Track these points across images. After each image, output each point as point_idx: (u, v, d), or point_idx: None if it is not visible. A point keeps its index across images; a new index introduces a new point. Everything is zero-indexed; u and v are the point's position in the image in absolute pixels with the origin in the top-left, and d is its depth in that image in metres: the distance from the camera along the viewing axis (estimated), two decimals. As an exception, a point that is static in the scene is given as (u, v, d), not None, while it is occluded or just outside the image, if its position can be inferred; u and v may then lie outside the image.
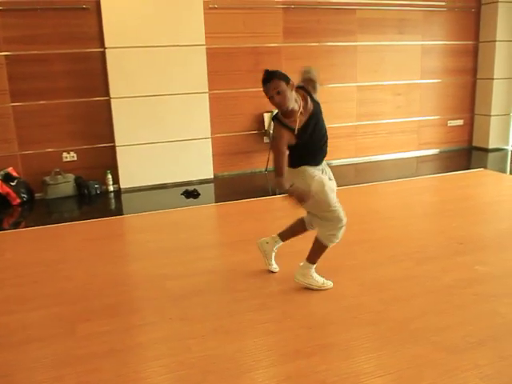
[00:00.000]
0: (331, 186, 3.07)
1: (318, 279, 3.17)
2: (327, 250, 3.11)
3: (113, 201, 5.86)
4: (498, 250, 3.83)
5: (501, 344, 2.54)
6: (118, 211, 5.59)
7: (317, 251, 3.11)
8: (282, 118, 2.91)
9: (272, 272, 3.47)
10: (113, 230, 4.75)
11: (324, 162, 3.13)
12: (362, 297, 3.07)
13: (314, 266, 3.14)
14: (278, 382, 2.31)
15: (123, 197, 5.92)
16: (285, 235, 3.44)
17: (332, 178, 3.19)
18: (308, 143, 2.96)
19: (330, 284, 3.18)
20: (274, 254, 3.47)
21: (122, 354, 2.56)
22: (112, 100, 5.83)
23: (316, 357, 2.48)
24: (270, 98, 2.85)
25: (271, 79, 2.83)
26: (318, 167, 3.06)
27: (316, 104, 3.02)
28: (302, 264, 3.17)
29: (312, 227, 3.26)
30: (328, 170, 3.19)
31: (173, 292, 3.25)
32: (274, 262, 3.49)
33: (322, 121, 3.05)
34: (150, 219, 4.93)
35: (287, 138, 2.88)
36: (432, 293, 3.13)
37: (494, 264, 3.54)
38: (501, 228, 4.31)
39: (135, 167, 6.05)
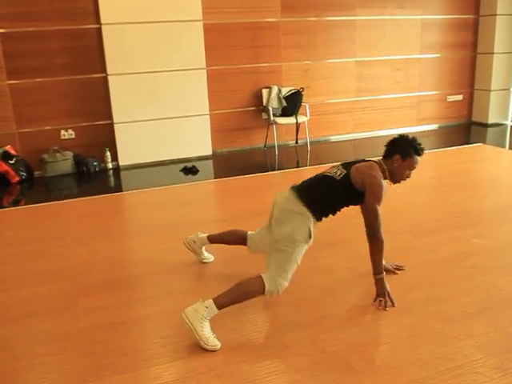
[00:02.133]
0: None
1: (208, 332, 2.37)
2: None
3: (111, 178, 5.86)
4: (496, 223, 3.85)
5: (497, 314, 2.58)
6: (117, 188, 5.59)
7: (240, 295, 2.48)
8: (384, 175, 2.67)
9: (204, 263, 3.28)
10: (112, 206, 4.76)
11: None
12: (360, 269, 3.10)
13: (216, 312, 2.41)
14: (277, 351, 2.35)
15: (122, 174, 5.92)
16: (215, 239, 3.17)
17: None
18: (350, 200, 2.72)
19: (217, 345, 2.35)
20: (203, 249, 3.27)
21: (123, 326, 2.60)
22: (109, 77, 5.78)
23: (315, 327, 2.51)
24: (410, 170, 2.68)
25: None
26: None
27: None
28: (203, 301, 2.41)
29: (252, 249, 2.96)
30: None
31: (173, 267, 3.28)
32: (205, 254, 3.29)
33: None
34: (149, 196, 4.94)
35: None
36: (429, 265, 3.16)
37: (491, 237, 3.56)
38: (499, 202, 4.33)
39: (133, 144, 6.04)
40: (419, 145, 2.65)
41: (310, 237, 2.59)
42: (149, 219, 4.24)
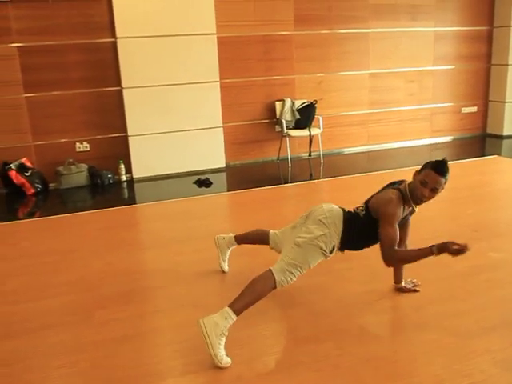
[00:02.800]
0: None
1: (223, 350, 2.34)
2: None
3: (126, 190, 5.90)
4: (512, 236, 3.80)
5: (514, 330, 2.54)
6: (131, 200, 5.63)
7: (254, 293, 2.48)
8: (406, 198, 2.61)
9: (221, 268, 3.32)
10: (126, 219, 4.79)
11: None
12: (375, 283, 3.08)
13: (235, 319, 2.37)
14: (291, 366, 2.33)
15: (136, 186, 5.96)
16: (241, 239, 3.25)
17: None
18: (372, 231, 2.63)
19: (228, 363, 2.33)
20: (228, 252, 3.32)
21: (136, 339, 2.60)
22: (124, 90, 5.85)
23: (328, 342, 2.49)
24: (424, 186, 2.52)
25: (446, 174, 2.53)
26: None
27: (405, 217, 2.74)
28: (222, 313, 2.38)
29: (272, 246, 3.02)
30: None
31: (186, 279, 3.28)
32: (227, 255, 3.32)
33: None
34: (163, 208, 4.96)
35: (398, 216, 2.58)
36: (445, 279, 3.12)
37: (508, 250, 3.52)
38: (515, 214, 4.28)
39: (147, 157, 6.08)
40: (440, 162, 2.53)
41: (331, 252, 2.60)
42: (162, 231, 4.25)
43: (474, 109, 7.92)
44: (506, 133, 7.77)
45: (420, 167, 2.62)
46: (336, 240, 2.61)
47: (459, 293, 2.94)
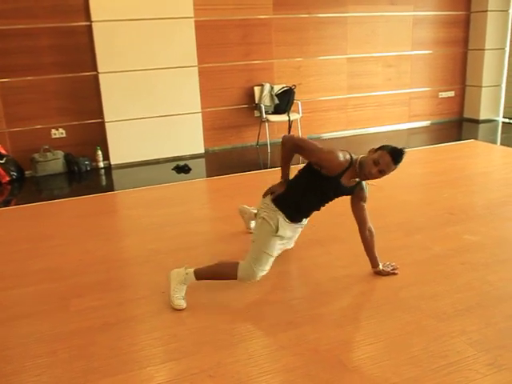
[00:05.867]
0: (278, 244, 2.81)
1: (179, 294, 2.72)
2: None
3: (103, 177, 5.83)
4: (488, 219, 3.86)
5: (488, 311, 2.59)
6: (109, 187, 5.56)
7: (217, 274, 2.78)
8: (353, 168, 2.69)
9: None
10: (104, 206, 4.73)
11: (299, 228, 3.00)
12: (353, 267, 3.10)
13: (194, 281, 2.73)
14: (271, 351, 2.34)
15: (114, 173, 5.88)
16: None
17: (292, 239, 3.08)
18: (314, 189, 2.77)
19: (181, 305, 2.69)
20: (251, 222, 3.54)
21: (116, 327, 2.58)
22: (100, 75, 5.75)
23: (307, 326, 2.51)
24: (375, 165, 2.59)
25: (399, 163, 2.61)
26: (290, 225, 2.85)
27: (349, 189, 2.81)
28: (186, 268, 2.76)
29: None
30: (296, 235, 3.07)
31: (165, 266, 3.25)
32: (252, 225, 3.51)
33: (331, 198, 2.86)
34: (142, 195, 4.92)
35: (322, 159, 2.69)
36: (421, 262, 3.16)
37: (483, 233, 3.57)
38: (491, 198, 4.34)
39: (125, 143, 6.01)
40: (399, 150, 2.60)
41: (277, 229, 2.74)
42: (141, 218, 4.22)
43: (452, 93, 7.99)
44: (482, 117, 7.87)
45: (377, 146, 2.68)
46: (278, 215, 2.77)
47: (436, 275, 2.98)
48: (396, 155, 2.59)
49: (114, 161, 6.02)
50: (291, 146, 2.77)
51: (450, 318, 2.53)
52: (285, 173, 2.90)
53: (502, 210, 4.05)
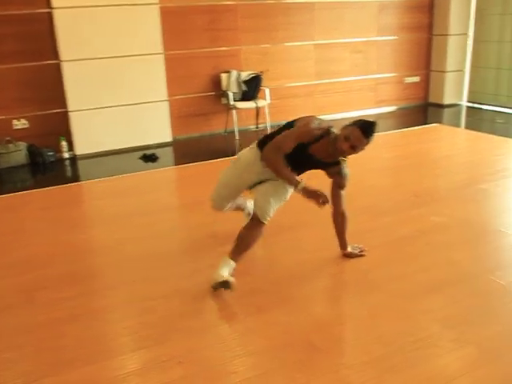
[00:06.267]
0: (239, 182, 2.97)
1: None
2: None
3: (68, 168, 5.70)
4: (453, 201, 3.95)
5: (454, 289, 2.65)
6: (75, 178, 5.45)
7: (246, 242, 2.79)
8: (329, 143, 2.67)
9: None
10: (70, 197, 4.64)
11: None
12: (322, 251, 3.13)
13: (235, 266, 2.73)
14: (242, 335, 2.35)
15: (79, 163, 5.76)
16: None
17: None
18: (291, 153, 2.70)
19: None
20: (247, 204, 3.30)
21: (84, 318, 2.54)
22: (62, 63, 5.59)
23: (278, 309, 2.52)
24: (346, 141, 2.58)
25: (370, 136, 2.61)
26: None
27: (324, 164, 2.81)
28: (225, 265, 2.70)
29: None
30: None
31: (134, 255, 3.23)
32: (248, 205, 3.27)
33: (305, 167, 2.86)
34: (108, 185, 4.84)
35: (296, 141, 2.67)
36: (388, 244, 3.21)
37: (448, 215, 3.65)
38: (455, 180, 4.44)
39: (90, 133, 5.88)
40: (369, 123, 2.61)
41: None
42: (108, 208, 4.15)
43: (417, 79, 8.09)
44: (446, 102, 8.00)
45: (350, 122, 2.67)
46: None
47: (403, 256, 3.04)
48: (366, 129, 2.57)
49: (79, 151, 5.89)
50: (274, 157, 2.69)
51: (416, 298, 2.58)
52: (293, 178, 2.71)
53: (466, 191, 4.14)
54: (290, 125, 2.77)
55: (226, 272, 2.64)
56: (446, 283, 2.71)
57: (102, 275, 3.04)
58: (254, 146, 2.90)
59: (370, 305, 2.54)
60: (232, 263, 2.67)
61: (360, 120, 2.65)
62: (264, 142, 2.80)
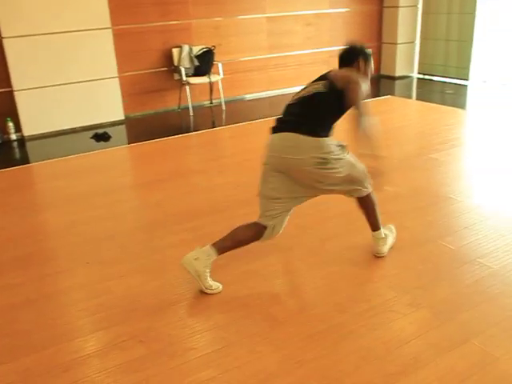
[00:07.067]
0: None
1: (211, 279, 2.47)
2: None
3: (17, 150, 5.48)
4: (405, 171, 4.04)
5: (406, 255, 2.73)
6: (24, 160, 5.24)
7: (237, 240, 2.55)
8: None
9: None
10: (19, 180, 4.48)
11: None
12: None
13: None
14: (200, 311, 2.36)
15: (28, 145, 5.55)
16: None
17: None
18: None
19: (219, 286, 2.49)
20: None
21: (39, 302, 2.48)
22: (4, 40, 5.32)
23: (237, 284, 2.53)
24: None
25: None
26: None
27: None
28: (202, 249, 2.46)
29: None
30: None
31: (89, 237, 3.16)
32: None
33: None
34: (60, 166, 4.69)
35: None
36: (343, 215, 3.26)
37: (401, 185, 3.73)
38: (407, 150, 4.53)
39: (39, 112, 5.66)
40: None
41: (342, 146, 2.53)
42: (61, 190, 4.04)
43: (369, 51, 8.13)
44: (398, 74, 8.12)
45: (356, 57, 2.63)
46: (328, 142, 2.47)
47: (357, 226, 3.09)
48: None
49: (27, 132, 5.67)
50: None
51: (371, 265, 2.65)
52: None
53: (417, 161, 4.24)
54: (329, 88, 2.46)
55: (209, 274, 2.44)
56: (398, 250, 2.78)
57: (56, 258, 2.97)
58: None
59: (327, 274, 2.58)
60: (214, 254, 2.42)
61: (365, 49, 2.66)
62: (303, 123, 2.44)
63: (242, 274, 2.63)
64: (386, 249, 2.73)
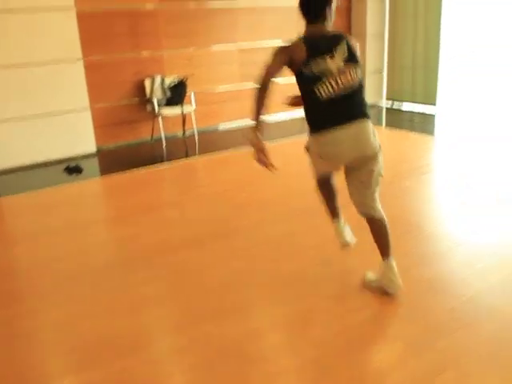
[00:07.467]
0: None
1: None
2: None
3: (-14, 184, 5.37)
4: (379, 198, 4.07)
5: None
6: (-7, 194, 5.14)
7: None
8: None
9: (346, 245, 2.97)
10: (-12, 215, 4.38)
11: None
12: (254, 258, 3.13)
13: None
14: (175, 351, 2.31)
15: (-2, 178, 5.45)
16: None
17: None
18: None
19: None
20: (346, 228, 2.96)
21: (6, 345, 2.40)
22: (-29, 73, 5.27)
23: (215, 320, 2.50)
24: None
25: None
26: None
27: None
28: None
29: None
30: None
31: (62, 274, 3.09)
32: (346, 235, 2.95)
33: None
34: (31, 200, 4.60)
35: None
36: (321, 245, 3.27)
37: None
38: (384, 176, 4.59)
39: (8, 145, 5.56)
40: None
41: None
42: (32, 225, 3.95)
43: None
44: (368, 101, 8.26)
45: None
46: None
47: (334, 256, 3.10)
48: None
49: (-5, 165, 5.57)
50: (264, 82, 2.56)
51: (344, 298, 2.65)
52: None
53: (389, 188, 4.28)
54: None
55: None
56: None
57: (25, 297, 2.88)
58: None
59: (301, 309, 2.57)
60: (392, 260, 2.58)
61: None
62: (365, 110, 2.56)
63: (217, 311, 2.60)
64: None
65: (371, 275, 2.71)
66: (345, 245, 2.95)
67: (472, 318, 2.41)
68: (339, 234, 2.95)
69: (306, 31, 2.54)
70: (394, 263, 2.58)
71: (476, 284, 2.72)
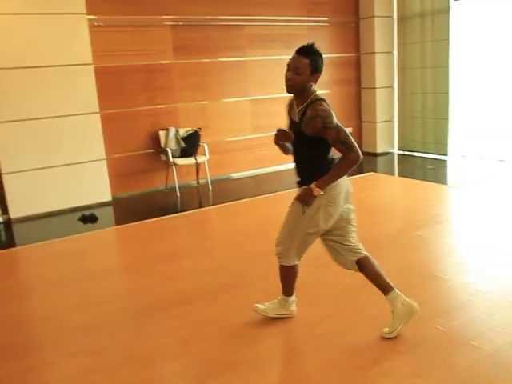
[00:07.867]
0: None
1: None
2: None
3: (2, 233, 5.45)
4: (392, 248, 4.08)
5: (398, 338, 2.69)
6: (10, 243, 5.18)
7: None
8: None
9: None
10: (5, 264, 4.42)
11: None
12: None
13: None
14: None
15: (15, 227, 5.52)
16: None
17: None
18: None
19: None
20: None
21: (21, 399, 2.39)
22: (-6, 125, 5.45)
23: (228, 373, 2.47)
24: (288, 70, 2.72)
25: (305, 53, 2.65)
26: None
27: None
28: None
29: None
30: None
31: (75, 325, 3.09)
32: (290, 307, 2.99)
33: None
34: (47, 249, 4.65)
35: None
36: (333, 297, 3.25)
37: (388, 262, 3.72)
38: (393, 227, 4.59)
39: (26, 194, 5.69)
40: (304, 45, 2.72)
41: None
42: (47, 274, 3.98)
43: (350, 130, 8.45)
44: (379, 150, 8.39)
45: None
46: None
47: (348, 308, 3.07)
48: (300, 49, 2.65)
49: (14, 214, 5.67)
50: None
51: (364, 351, 2.60)
52: None
53: (402, 238, 4.30)
54: None
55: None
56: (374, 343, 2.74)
57: (40, 349, 2.88)
58: None
59: (320, 362, 2.53)
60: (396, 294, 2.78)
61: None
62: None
63: (231, 363, 2.57)
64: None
65: (394, 321, 2.71)
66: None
67: (491, 376, 2.36)
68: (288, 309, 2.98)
69: (315, 92, 2.75)
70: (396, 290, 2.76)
71: (495, 339, 2.66)
